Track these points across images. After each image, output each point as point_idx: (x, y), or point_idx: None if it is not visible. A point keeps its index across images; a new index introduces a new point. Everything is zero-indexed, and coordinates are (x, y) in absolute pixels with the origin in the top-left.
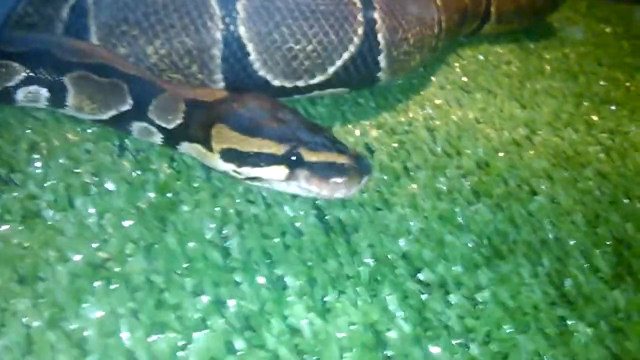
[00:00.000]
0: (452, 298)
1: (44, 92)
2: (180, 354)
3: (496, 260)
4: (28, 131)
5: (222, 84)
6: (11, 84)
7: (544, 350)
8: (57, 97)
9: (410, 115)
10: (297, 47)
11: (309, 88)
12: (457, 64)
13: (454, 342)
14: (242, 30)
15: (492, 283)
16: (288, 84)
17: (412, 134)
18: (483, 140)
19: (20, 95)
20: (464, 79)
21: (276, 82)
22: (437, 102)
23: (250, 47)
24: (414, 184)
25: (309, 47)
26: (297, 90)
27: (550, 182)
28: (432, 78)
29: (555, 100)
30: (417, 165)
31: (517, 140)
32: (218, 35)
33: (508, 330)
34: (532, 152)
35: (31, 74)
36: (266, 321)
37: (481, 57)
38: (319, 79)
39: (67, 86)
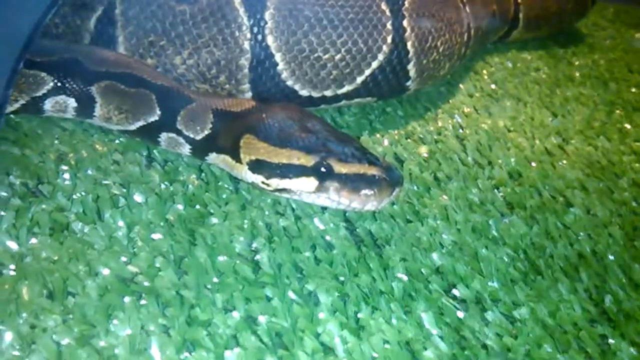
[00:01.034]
0: (489, 315)
1: (72, 102)
2: None
3: (533, 275)
4: (56, 142)
5: (249, 94)
6: (39, 94)
7: None
8: (85, 107)
9: (440, 124)
10: (326, 56)
11: (337, 98)
12: (485, 72)
13: None
14: (270, 40)
15: (529, 299)
16: (316, 94)
17: (442, 144)
18: (514, 150)
19: (48, 105)
20: (493, 86)
21: (304, 92)
22: (466, 110)
23: (278, 57)
24: (445, 195)
25: (338, 57)
26: (324, 99)
27: (585, 193)
28: (461, 86)
29: (587, 108)
30: (448, 176)
31: (549, 150)
32: (246, 45)
33: (548, 350)
34: (565, 161)
35: (59, 84)
36: (299, 339)
37: (509, 64)
38: (347, 88)
39: (94, 96)
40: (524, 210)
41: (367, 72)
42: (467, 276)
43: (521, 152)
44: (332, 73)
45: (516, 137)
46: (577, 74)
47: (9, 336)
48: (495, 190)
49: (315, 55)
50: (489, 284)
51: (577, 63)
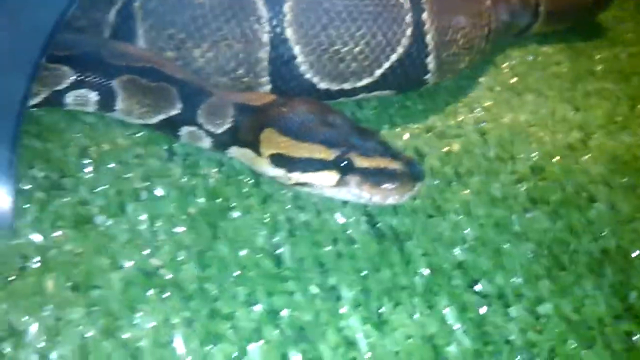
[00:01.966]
0: (513, 311)
1: (93, 95)
2: None
3: (557, 271)
4: (78, 135)
5: (268, 87)
6: (61, 87)
7: None
8: (106, 100)
9: (460, 118)
10: (345, 49)
11: (356, 91)
12: (505, 65)
13: (517, 357)
14: (289, 33)
15: (553, 295)
16: (334, 87)
17: (463, 138)
18: (536, 144)
19: (70, 99)
20: (513, 80)
21: (322, 85)
22: (487, 104)
23: (297, 50)
24: (467, 190)
25: (357, 49)
26: (343, 93)
27: (609, 189)
28: (480, 79)
29: (609, 102)
30: (469, 170)
31: (571, 145)
32: (265, 38)
33: (573, 345)
34: (588, 156)
35: (80, 77)
36: (321, 333)
37: (530, 58)
38: (366, 81)
39: (116, 90)
40: (547, 205)
41: (386, 65)
42: (490, 271)
43: (543, 146)
44: (350, 66)
45: (538, 132)
46: (599, 68)
47: (34, 328)
48: (518, 185)
49: (334, 48)
50: (512, 279)
51: (598, 57)
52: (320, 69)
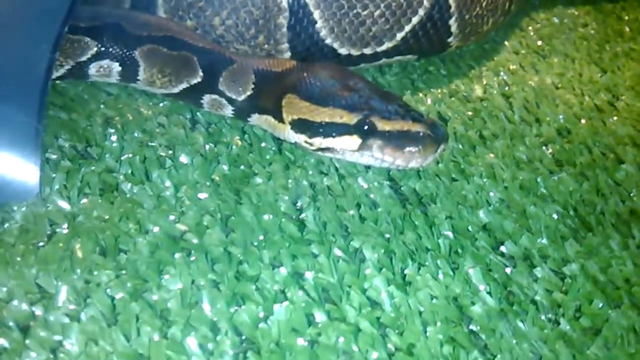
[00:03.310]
0: (538, 271)
1: (116, 66)
2: (262, 325)
3: (583, 232)
4: (102, 106)
5: (288, 54)
6: (84, 58)
7: None
8: (129, 71)
9: (484, 81)
10: (365, 12)
11: (377, 56)
12: (530, 28)
13: (542, 317)
14: None
15: (580, 256)
16: (355, 52)
17: (487, 102)
18: (563, 107)
19: (93, 70)
20: (539, 43)
21: (343, 50)
22: (512, 67)
23: (316, 15)
24: (492, 153)
25: (377, 12)
26: (364, 58)
27: (637, 150)
28: (505, 43)
29: (637, 64)
30: (494, 134)
31: (599, 106)
32: (284, 3)
33: (599, 305)
34: (615, 118)
35: (103, 48)
36: (346, 294)
37: (556, 20)
38: (387, 45)
39: (138, 60)
40: (573, 167)
41: (407, 28)
42: (515, 233)
43: (570, 109)
44: (371, 30)
45: (564, 94)
46: (627, 29)
47: (64, 290)
48: (544, 148)
49: (354, 11)
50: (538, 240)
51: (626, 18)
52: (341, 33)
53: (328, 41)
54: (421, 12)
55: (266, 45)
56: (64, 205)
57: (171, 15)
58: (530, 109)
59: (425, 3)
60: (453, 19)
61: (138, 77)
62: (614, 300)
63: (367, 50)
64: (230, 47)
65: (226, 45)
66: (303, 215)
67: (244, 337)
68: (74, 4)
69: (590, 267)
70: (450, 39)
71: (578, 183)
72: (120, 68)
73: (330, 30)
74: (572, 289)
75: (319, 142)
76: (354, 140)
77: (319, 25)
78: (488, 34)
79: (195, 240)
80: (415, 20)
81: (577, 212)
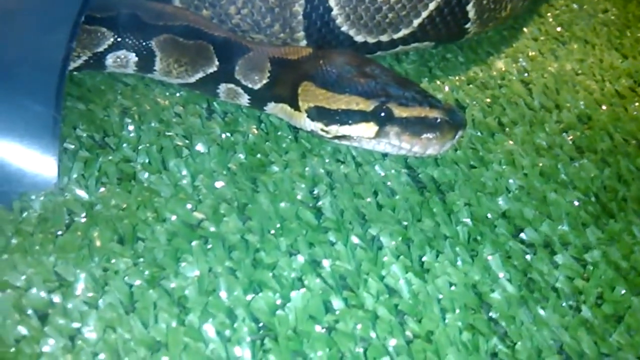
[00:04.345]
0: (559, 258)
1: (133, 56)
2: (279, 312)
3: (605, 219)
4: (119, 97)
5: (304, 43)
6: (101, 49)
7: None
8: (146, 61)
9: (503, 68)
10: None
11: (393, 43)
12: (549, 14)
13: (563, 304)
14: None
15: (601, 242)
16: (371, 39)
17: (505, 88)
18: (583, 93)
19: (110, 60)
20: (558, 29)
21: (359, 38)
22: (531, 54)
23: (332, 2)
24: (511, 140)
25: None
26: (380, 45)
27: None
28: (524, 29)
29: None
30: (513, 121)
31: (620, 92)
32: None
33: (622, 292)
34: (637, 104)
35: (119, 39)
36: (363, 281)
37: (575, 6)
38: (403, 32)
39: (154, 50)
40: (594, 153)
41: (424, 14)
42: (535, 220)
43: (590, 95)
44: (387, 16)
45: (585, 80)
46: None
47: (83, 278)
48: (564, 134)
49: None
50: (559, 227)
51: None
52: (357, 20)
53: (344, 28)
54: None
55: (282, 34)
56: (82, 194)
57: (187, 5)
58: (550, 95)
59: None
60: (471, 4)
61: (154, 67)
62: (636, 287)
63: (384, 38)
64: (246, 36)
65: (242, 35)
66: (320, 203)
67: (261, 324)
68: None
69: (612, 254)
70: (467, 25)
71: (599, 169)
72: (136, 58)
73: (346, 18)
74: (594, 276)
75: (335, 129)
76: (371, 128)
77: (334, 12)
78: (507, 21)
79: (212, 229)
80: (432, 6)
81: (598, 198)
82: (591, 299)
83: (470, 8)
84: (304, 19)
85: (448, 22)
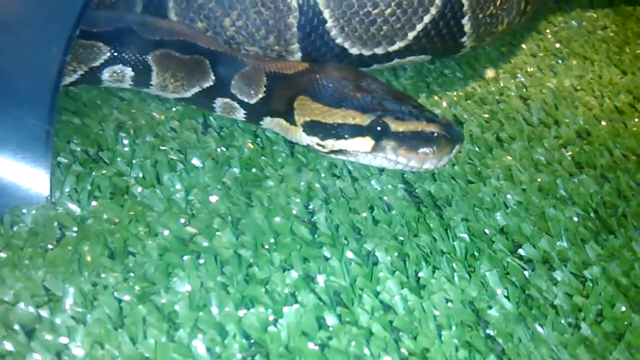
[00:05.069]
0: (558, 275)
1: (129, 71)
2: (271, 328)
3: (605, 235)
4: (115, 111)
5: (299, 55)
6: (97, 64)
7: None
8: (142, 76)
9: (501, 84)
10: (375, 11)
11: (389, 56)
12: (548, 31)
13: (562, 321)
14: None
15: (601, 259)
16: (366, 52)
17: (504, 104)
18: (582, 109)
19: (106, 75)
20: (557, 45)
21: (354, 50)
22: (530, 70)
23: (326, 14)
24: (509, 156)
25: (388, 11)
26: (376, 58)
27: None
28: (523, 46)
29: None
30: (511, 136)
31: (619, 108)
32: (294, 3)
33: (622, 309)
34: (637, 119)
35: (115, 53)
36: (358, 297)
37: (574, 23)
38: (398, 45)
39: (150, 65)
40: (593, 169)
41: (419, 26)
42: (533, 236)
43: (590, 110)
44: (382, 29)
45: (584, 96)
46: None
47: (71, 293)
48: (563, 150)
49: (365, 10)
50: (558, 243)
51: None
52: (351, 32)
53: (339, 41)
54: (433, 10)
55: (277, 46)
56: (74, 208)
57: (182, 18)
58: (548, 111)
59: (437, 1)
60: (466, 18)
61: (151, 82)
62: (637, 304)
63: (379, 50)
64: (241, 48)
65: (237, 47)
66: (315, 218)
67: (252, 341)
68: (85, 7)
69: (612, 270)
70: (464, 39)
71: (599, 185)
72: (133, 73)
73: (340, 30)
74: (593, 293)
75: (331, 144)
76: (367, 142)
77: (329, 24)
78: (504, 35)
79: (205, 243)
80: (427, 19)
81: (597, 214)
82: (591, 316)
83: (465, 21)
84: (298, 31)
85: (444, 35)
